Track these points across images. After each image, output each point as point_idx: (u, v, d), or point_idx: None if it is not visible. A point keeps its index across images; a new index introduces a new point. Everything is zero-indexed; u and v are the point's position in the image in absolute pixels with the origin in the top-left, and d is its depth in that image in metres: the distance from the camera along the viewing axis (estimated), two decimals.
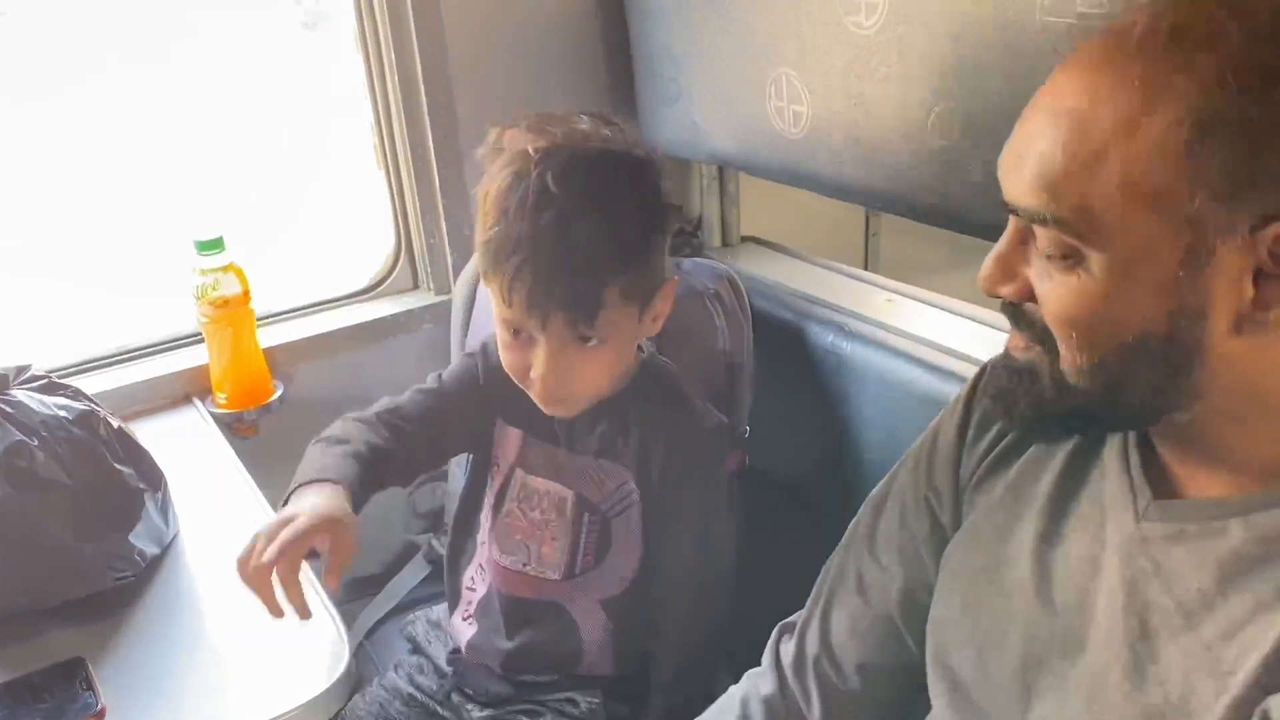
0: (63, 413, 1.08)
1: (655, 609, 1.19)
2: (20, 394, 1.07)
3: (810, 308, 1.57)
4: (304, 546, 0.94)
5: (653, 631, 1.19)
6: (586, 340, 1.04)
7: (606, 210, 1.00)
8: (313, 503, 0.98)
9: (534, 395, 1.10)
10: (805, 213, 2.07)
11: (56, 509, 1.05)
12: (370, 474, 1.08)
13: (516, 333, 1.05)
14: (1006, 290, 0.73)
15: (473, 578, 1.27)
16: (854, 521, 1.03)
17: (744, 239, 1.89)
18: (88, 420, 1.09)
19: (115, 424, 1.13)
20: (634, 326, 1.08)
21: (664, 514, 1.17)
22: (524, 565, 1.20)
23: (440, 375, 1.22)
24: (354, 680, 1.06)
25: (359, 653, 1.55)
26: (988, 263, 0.75)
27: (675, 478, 1.15)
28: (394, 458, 1.13)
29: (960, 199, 1.17)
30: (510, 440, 1.21)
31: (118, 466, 1.10)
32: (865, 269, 2.08)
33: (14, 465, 1.02)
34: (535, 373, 1.05)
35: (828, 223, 2.15)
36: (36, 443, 1.04)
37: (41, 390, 1.12)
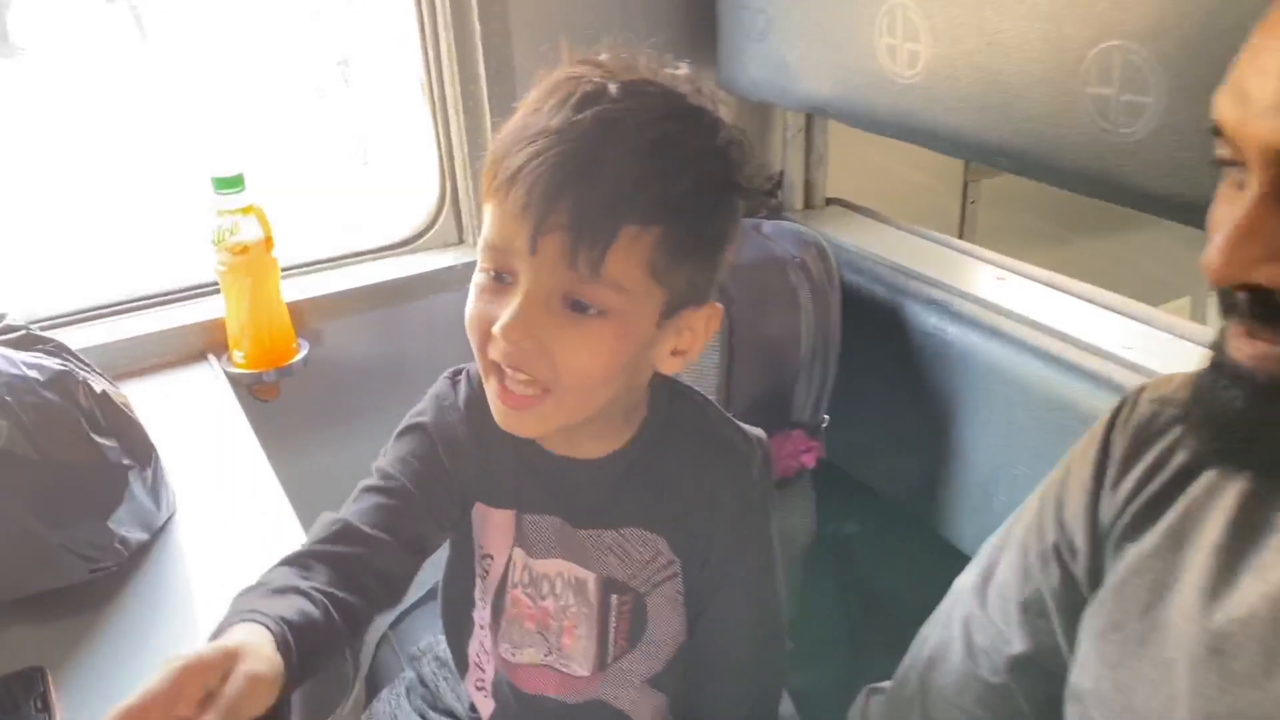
0: (33, 373, 0.91)
1: (710, 671, 0.98)
2: None
3: (908, 283, 1.38)
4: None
5: (710, 693, 0.99)
6: (582, 308, 0.76)
7: (663, 146, 0.75)
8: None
9: (489, 382, 0.81)
10: (893, 176, 1.87)
11: (19, 488, 0.89)
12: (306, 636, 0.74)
13: (497, 275, 0.78)
14: (1264, 273, 0.54)
15: (479, 655, 1.04)
16: (965, 573, 0.89)
17: (829, 201, 1.69)
18: (63, 383, 0.92)
19: (99, 388, 0.96)
20: (647, 324, 0.80)
21: (713, 578, 0.94)
22: (544, 657, 0.97)
23: (380, 468, 0.90)
24: (362, 708, 0.89)
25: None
26: (1232, 236, 0.55)
27: (724, 535, 0.92)
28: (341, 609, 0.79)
29: (1121, 163, 0.95)
30: (497, 523, 0.94)
31: (97, 439, 0.93)
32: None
33: None
34: (499, 324, 0.75)
35: (919, 188, 1.94)
36: None
37: (13, 344, 0.95)
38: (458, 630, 1.04)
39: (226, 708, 0.61)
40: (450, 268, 1.56)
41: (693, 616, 0.95)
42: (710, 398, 0.95)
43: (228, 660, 0.63)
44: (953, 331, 1.30)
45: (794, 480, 1.37)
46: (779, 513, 1.38)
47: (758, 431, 0.95)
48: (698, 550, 0.92)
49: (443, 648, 1.16)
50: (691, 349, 0.84)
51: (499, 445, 0.89)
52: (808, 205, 1.67)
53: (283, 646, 0.69)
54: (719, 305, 0.84)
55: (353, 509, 0.86)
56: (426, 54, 1.49)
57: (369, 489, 0.88)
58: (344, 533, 0.83)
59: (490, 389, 0.82)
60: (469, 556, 0.97)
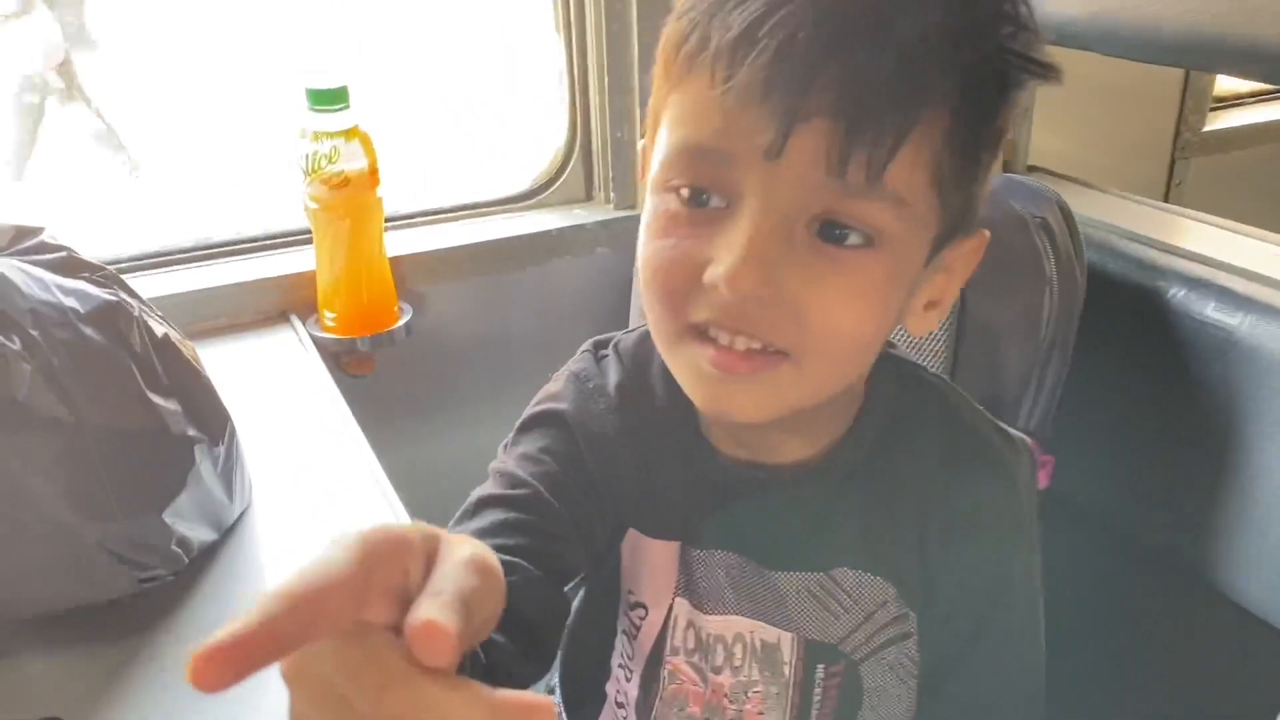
0: (71, 301, 0.65)
1: None
2: (5, 263, 0.64)
3: (1173, 262, 1.09)
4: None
5: None
6: (839, 235, 0.52)
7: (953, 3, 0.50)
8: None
9: (682, 350, 0.56)
10: (1079, 157, 1.59)
11: (45, 462, 0.63)
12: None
13: (694, 196, 0.53)
14: None
15: None
16: None
17: (1030, 169, 1.41)
18: (112, 317, 0.66)
19: (160, 330, 0.70)
20: (918, 259, 0.56)
21: (962, 636, 0.66)
22: None
23: (501, 471, 0.64)
24: None
25: None
26: None
27: (983, 576, 0.65)
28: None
29: None
30: (656, 561, 0.67)
31: (155, 399, 0.67)
32: None
33: None
34: (718, 269, 0.51)
35: (1112, 168, 1.65)
36: (19, 345, 0.61)
37: (50, 266, 0.69)
38: (582, 710, 0.76)
39: (459, 597, 0.32)
40: (579, 227, 1.31)
41: (928, 689, 0.67)
42: None
43: (430, 541, 0.36)
44: (1240, 323, 1.01)
45: None
46: None
47: (1014, 431, 0.69)
48: (943, 599, 0.65)
49: None
50: (944, 299, 0.61)
51: (662, 448, 0.65)
52: (1006, 170, 1.39)
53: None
54: (985, 232, 0.61)
55: (470, 527, 0.60)
56: None
57: (488, 500, 0.61)
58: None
59: (685, 357, 0.56)
60: (610, 606, 0.70)
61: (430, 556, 0.35)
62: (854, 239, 0.52)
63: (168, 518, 0.68)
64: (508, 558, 0.56)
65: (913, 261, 0.55)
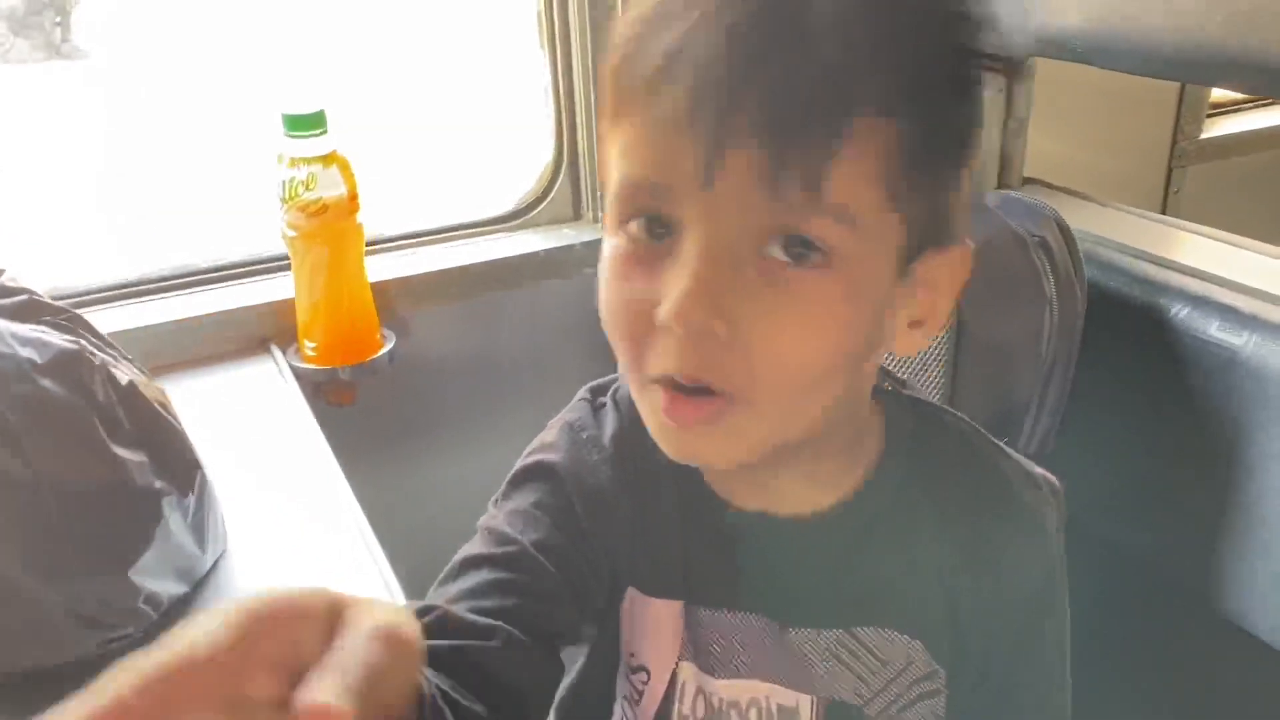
0: (28, 351, 0.61)
1: None
2: None
3: (1173, 278, 1.07)
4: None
5: None
6: (795, 254, 0.49)
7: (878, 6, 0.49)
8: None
9: (647, 394, 0.53)
10: (1078, 161, 1.57)
11: (2, 523, 0.60)
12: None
13: (649, 228, 0.50)
14: None
15: None
16: None
17: (1025, 181, 1.38)
18: (72, 367, 0.63)
19: (124, 378, 0.67)
20: (884, 275, 0.52)
21: (995, 690, 0.63)
22: None
23: (491, 529, 0.60)
24: None
25: None
26: None
27: (1015, 626, 0.62)
28: None
29: None
30: (657, 621, 0.63)
31: (119, 451, 0.64)
32: None
33: None
34: (668, 303, 0.48)
35: (1110, 175, 1.63)
36: None
37: (9, 312, 0.66)
38: None
39: (358, 673, 0.30)
40: (566, 248, 1.28)
41: None
42: None
43: (335, 608, 0.33)
44: (1245, 342, 0.99)
45: None
46: None
47: (1040, 471, 0.65)
48: (974, 653, 0.62)
49: None
50: (932, 316, 0.56)
51: (662, 500, 0.62)
52: (1002, 184, 1.36)
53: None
54: (970, 243, 0.56)
55: (452, 590, 0.56)
56: None
57: (473, 561, 0.57)
58: (440, 624, 0.52)
59: (648, 402, 0.53)
60: (608, 670, 0.66)
61: (334, 624, 0.32)
62: (813, 257, 0.49)
63: (134, 575, 0.65)
64: (490, 621, 0.53)
65: (875, 279, 0.52)
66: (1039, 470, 0.65)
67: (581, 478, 0.61)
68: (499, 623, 0.53)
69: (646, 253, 0.50)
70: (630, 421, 0.62)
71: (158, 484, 0.67)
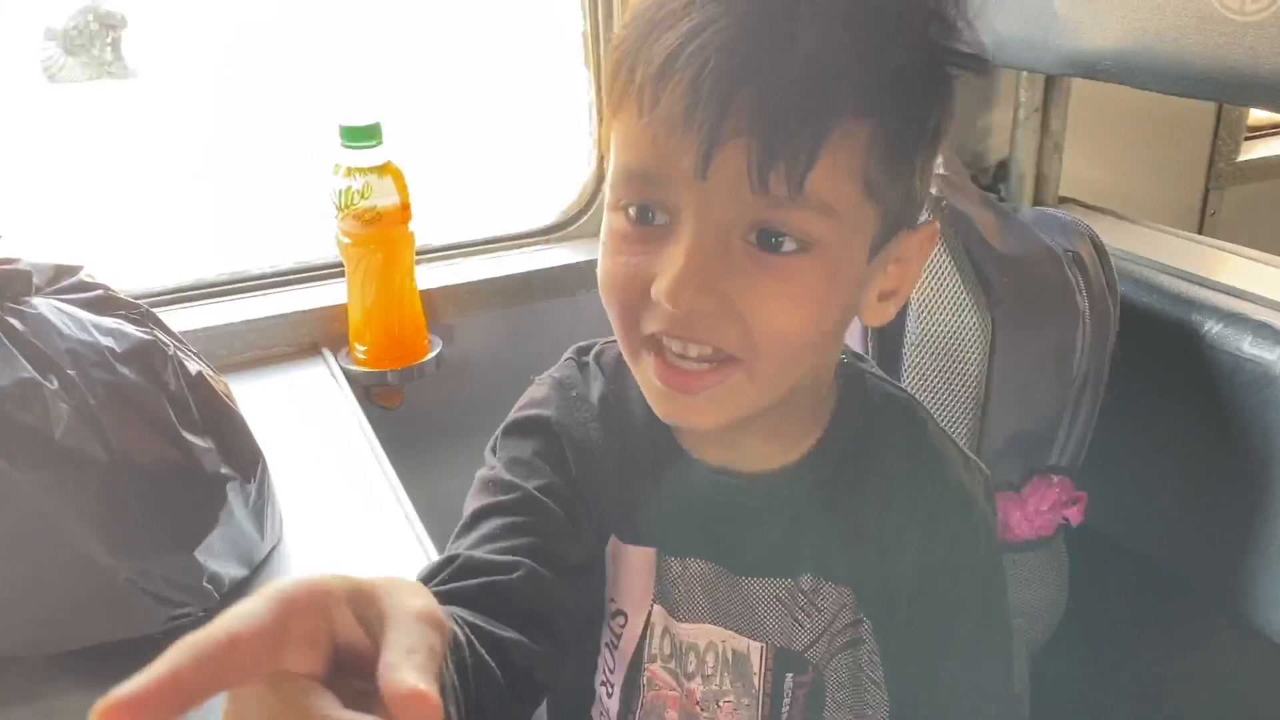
0: (108, 340, 0.65)
1: None
2: (45, 304, 0.65)
3: (1208, 297, 1.07)
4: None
5: None
6: (773, 244, 0.54)
7: (865, 3, 0.53)
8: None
9: (642, 360, 0.58)
10: (1110, 184, 1.58)
11: (80, 500, 0.63)
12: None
13: (641, 214, 0.56)
14: None
15: None
16: None
17: (1061, 200, 1.40)
18: (147, 356, 0.67)
19: (194, 368, 0.71)
20: (859, 259, 0.57)
21: (924, 649, 0.68)
22: None
23: (491, 479, 0.66)
24: None
25: None
26: None
27: (942, 586, 0.67)
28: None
29: None
30: (634, 567, 0.68)
31: (188, 437, 0.67)
32: None
33: (15, 422, 0.60)
34: (660, 284, 0.54)
35: (1146, 197, 1.63)
36: (56, 385, 0.62)
37: (87, 305, 0.70)
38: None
39: (430, 656, 0.33)
40: None
41: (899, 710, 0.70)
42: (961, 428, 0.69)
43: (358, 591, 0.36)
44: (1277, 358, 1.00)
45: (1049, 540, 1.07)
46: (1026, 581, 1.09)
47: (972, 455, 0.72)
48: (901, 605, 0.67)
49: None
50: (901, 288, 0.63)
51: (640, 457, 0.67)
52: (1037, 203, 1.38)
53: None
54: (936, 223, 0.63)
55: (469, 539, 0.61)
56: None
57: (486, 510, 0.62)
58: (465, 568, 0.58)
59: (644, 369, 0.59)
60: (594, 617, 0.71)
61: (357, 605, 0.35)
62: (788, 245, 0.54)
63: (199, 555, 0.69)
64: (511, 557, 0.58)
65: (851, 263, 0.57)
66: (972, 455, 0.71)
67: (572, 432, 0.66)
68: (518, 558, 0.58)
69: (645, 231, 0.56)
70: (614, 383, 0.67)
71: (223, 469, 0.71)
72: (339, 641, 0.34)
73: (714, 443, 0.65)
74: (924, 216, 0.63)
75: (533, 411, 0.67)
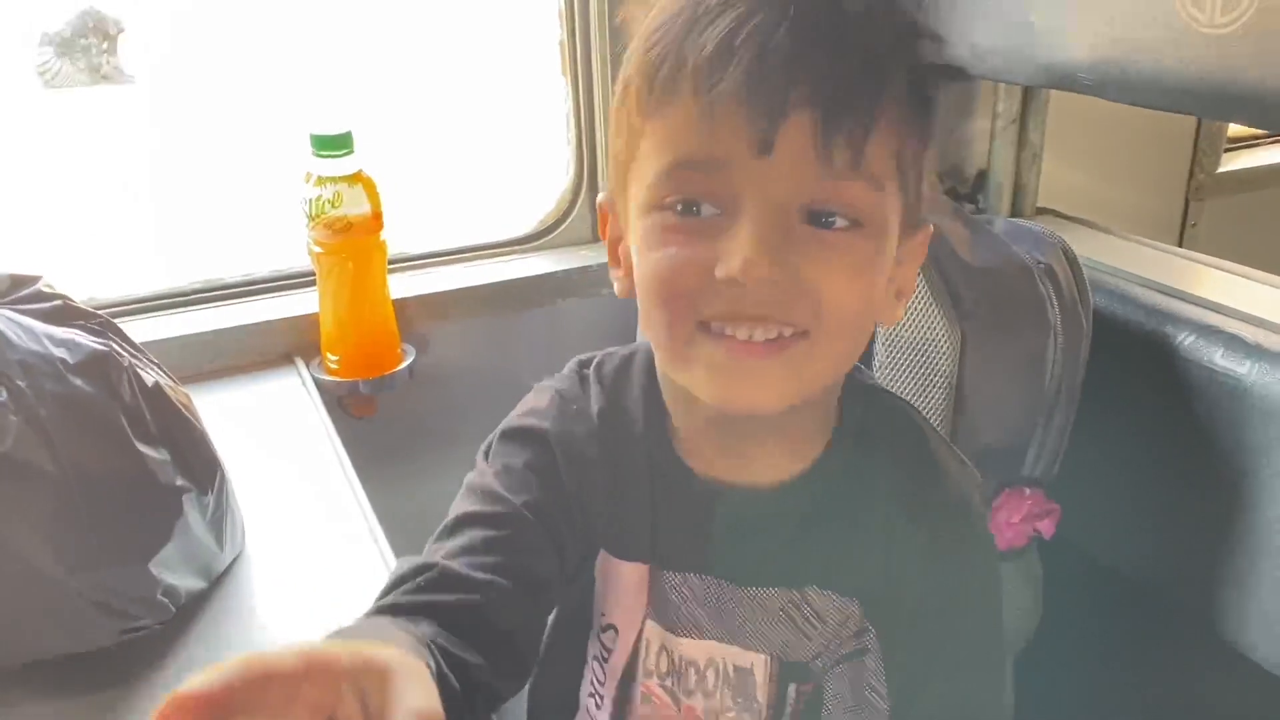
0: (61, 351, 0.65)
1: None
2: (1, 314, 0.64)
3: (1181, 308, 1.08)
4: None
5: None
6: (825, 221, 0.56)
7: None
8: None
9: (697, 345, 0.58)
10: (1092, 194, 1.58)
11: (30, 513, 0.63)
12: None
13: (686, 208, 0.56)
14: None
15: None
16: None
17: (1039, 211, 1.40)
18: (100, 367, 0.66)
19: (151, 379, 0.70)
20: (894, 242, 0.59)
21: (922, 653, 0.67)
22: None
23: (478, 486, 0.66)
24: None
25: None
26: None
27: (941, 596, 0.66)
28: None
29: None
30: (626, 583, 0.68)
31: (142, 449, 0.67)
32: None
33: None
34: (730, 262, 0.54)
35: (1125, 208, 1.64)
36: (5, 397, 0.61)
37: (44, 315, 0.69)
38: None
39: None
40: (584, 269, 1.31)
41: (895, 713, 0.69)
42: None
43: (371, 674, 0.37)
44: (1249, 371, 1.00)
45: (1021, 552, 1.07)
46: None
47: (966, 459, 0.72)
48: (905, 614, 0.67)
49: None
50: (906, 289, 0.64)
51: (636, 471, 0.67)
52: (1015, 214, 1.38)
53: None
54: (930, 226, 0.64)
55: (449, 545, 0.62)
56: (568, 8, 1.25)
57: (470, 519, 0.63)
58: (441, 579, 0.59)
59: (699, 354, 0.58)
60: (580, 633, 0.71)
61: (362, 682, 0.37)
62: (840, 222, 0.56)
63: (154, 568, 0.68)
64: (483, 575, 0.59)
65: (891, 245, 0.59)
66: (963, 457, 0.71)
67: (568, 447, 0.66)
68: (493, 577, 0.59)
69: (692, 224, 0.56)
70: (613, 396, 0.67)
71: (179, 481, 0.70)
72: (336, 716, 0.36)
73: (721, 455, 0.65)
74: None
75: (531, 421, 0.67)
